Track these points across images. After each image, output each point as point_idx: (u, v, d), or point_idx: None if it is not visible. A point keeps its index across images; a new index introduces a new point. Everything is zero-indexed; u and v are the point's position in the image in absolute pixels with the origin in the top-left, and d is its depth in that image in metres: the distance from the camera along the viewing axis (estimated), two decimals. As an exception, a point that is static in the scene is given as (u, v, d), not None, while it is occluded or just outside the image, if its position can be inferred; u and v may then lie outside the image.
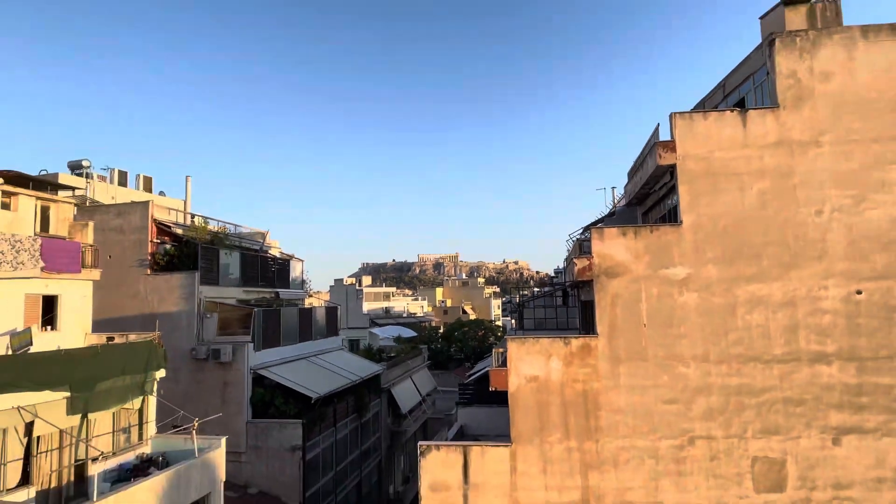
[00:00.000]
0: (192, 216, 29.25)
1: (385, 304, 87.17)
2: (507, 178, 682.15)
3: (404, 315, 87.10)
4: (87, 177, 32.37)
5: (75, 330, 17.52)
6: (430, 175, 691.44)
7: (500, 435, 17.72)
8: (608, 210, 23.80)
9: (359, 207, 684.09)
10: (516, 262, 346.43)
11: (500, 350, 18.16)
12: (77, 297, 17.58)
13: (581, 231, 24.00)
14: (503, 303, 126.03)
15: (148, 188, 36.75)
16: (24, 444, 13.98)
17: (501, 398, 21.16)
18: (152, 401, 17.96)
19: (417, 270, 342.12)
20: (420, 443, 15.88)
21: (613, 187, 27.85)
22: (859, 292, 15.01)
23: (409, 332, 61.48)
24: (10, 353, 14.47)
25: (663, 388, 15.20)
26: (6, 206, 16.42)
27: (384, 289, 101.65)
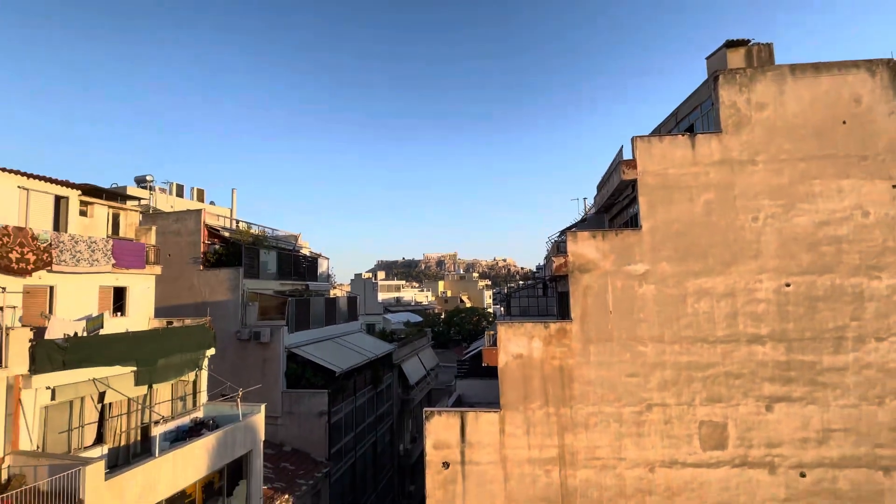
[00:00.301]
0: (237, 222, 29.07)
1: (396, 295, 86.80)
2: (498, 188, 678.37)
3: (412, 304, 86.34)
4: (150, 189, 32.31)
5: (141, 316, 17.49)
6: (434, 187, 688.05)
7: (492, 402, 17.69)
8: (581, 217, 23.87)
9: (375, 214, 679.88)
10: (505, 260, 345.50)
11: (492, 332, 18.06)
12: (142, 288, 17.55)
13: (558, 234, 23.75)
14: (494, 294, 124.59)
15: (200, 198, 36.68)
16: (99, 409, 13.96)
17: (492, 372, 20.66)
18: (204, 374, 17.83)
19: (423, 267, 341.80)
20: (425, 409, 15.87)
21: (585, 198, 28.72)
22: (788, 285, 14.96)
23: (416, 318, 61.25)
24: (86, 334, 14.48)
25: (626, 363, 15.07)
26: (84, 214, 16.42)
27: (395, 282, 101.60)
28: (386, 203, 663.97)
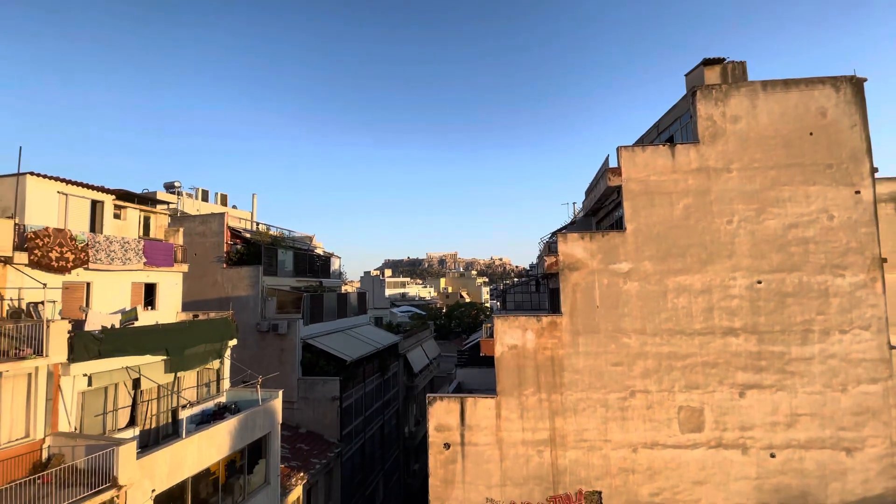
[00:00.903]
0: (257, 224, 28.92)
1: (401, 291, 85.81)
2: (495, 192, 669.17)
3: (416, 299, 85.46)
4: (178, 194, 32.25)
5: (169, 309, 17.46)
6: (437, 190, 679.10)
7: (489, 389, 17.60)
8: (570, 219, 23.68)
9: (382, 215, 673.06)
10: (501, 259, 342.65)
11: (489, 325, 17.89)
12: (170, 284, 17.50)
13: (550, 235, 23.60)
14: (491, 290, 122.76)
15: (224, 203, 36.62)
16: (132, 395, 13.94)
17: (490, 361, 20.84)
18: (227, 363, 17.74)
19: (426, 265, 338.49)
20: (428, 395, 15.79)
21: (574, 202, 27.99)
22: (759, 282, 14.89)
23: (419, 312, 60.51)
24: (120, 326, 14.46)
25: (612, 354, 15.03)
26: (118, 216, 16.41)
27: (401, 279, 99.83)
28: (393, 205, 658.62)
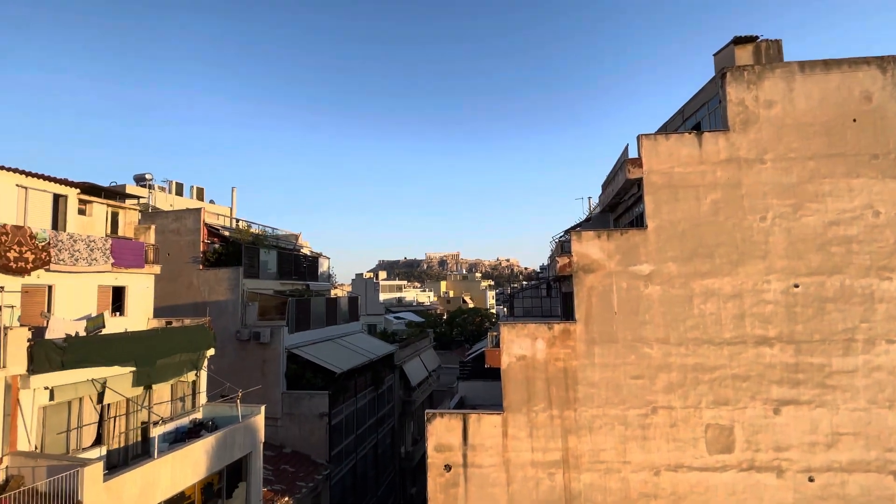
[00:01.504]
0: (237, 221, 28.55)
1: (398, 295, 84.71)
2: (502, 188, 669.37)
3: (414, 304, 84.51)
4: (149, 187, 32.29)
5: (140, 315, 17.44)
6: (436, 186, 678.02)
7: (494, 404, 17.45)
8: (585, 216, 23.47)
9: (377, 213, 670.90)
10: (508, 260, 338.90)
11: (494, 333, 17.81)
12: (141, 287, 17.50)
13: (562, 234, 23.36)
14: (497, 294, 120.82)
15: (200, 197, 36.66)
16: (98, 410, 13.85)
17: (495, 374, 20.68)
18: (203, 375, 17.73)
19: (425, 266, 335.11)
20: (427, 411, 15.68)
21: (590, 197, 26.98)
22: (797, 286, 14.54)
23: (417, 318, 60.16)
24: (86, 334, 14.43)
25: (631, 365, 14.82)
26: (83, 212, 16.41)
27: (397, 282, 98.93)
28: (388, 202, 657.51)
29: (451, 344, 65.54)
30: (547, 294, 25.33)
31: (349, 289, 57.67)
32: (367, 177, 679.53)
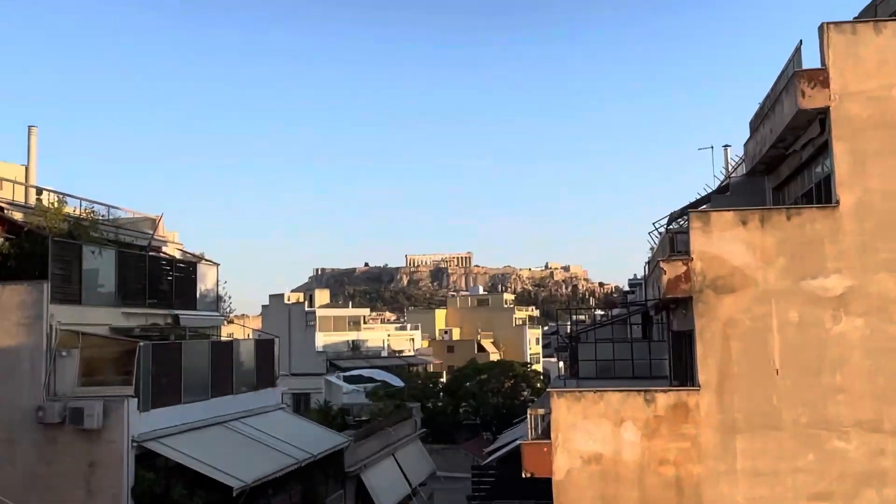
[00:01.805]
0: (39, 192, 25.30)
1: (352, 336, 76.38)
2: (550, 142, 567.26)
3: (383, 353, 76.95)
4: None
5: None
6: (419, 135, 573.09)
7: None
8: (721, 181, 21.43)
9: (309, 188, 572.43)
10: (566, 269, 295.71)
11: (540, 411, 17.18)
12: None
13: (669, 220, 21.69)
14: (546, 333, 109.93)
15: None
16: None
17: (541, 489, 18.99)
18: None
19: (405, 280, 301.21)
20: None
21: (725, 146, 24.35)
22: None
23: (391, 380, 53.44)
24: None
25: (807, 473, 13.44)
26: None
27: (351, 310, 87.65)
28: (329, 168, 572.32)
29: (457, 431, 58.42)
30: (643, 334, 24.22)
31: (258, 324, 53.78)
32: (287, 136, 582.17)
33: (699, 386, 13.99)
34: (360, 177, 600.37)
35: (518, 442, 23.75)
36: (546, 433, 16.01)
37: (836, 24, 13.47)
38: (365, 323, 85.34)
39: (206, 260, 29.11)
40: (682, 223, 21.63)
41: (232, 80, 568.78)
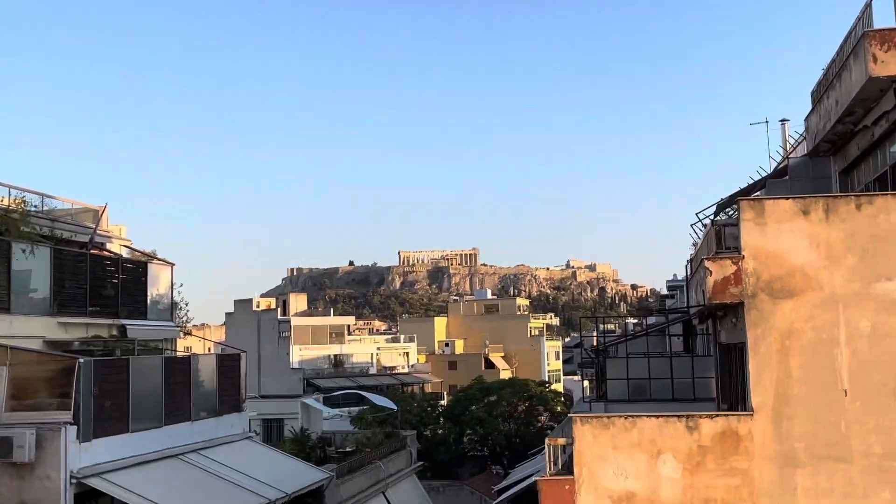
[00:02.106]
0: None
1: (335, 350, 78.11)
2: (568, 117, 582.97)
3: (371, 370, 78.90)
4: None
5: None
6: (413, 115, 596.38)
7: None
8: (776, 164, 21.92)
9: (280, 171, 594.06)
10: (592, 268, 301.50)
11: (560, 441, 17.76)
12: None
13: (716, 209, 22.09)
14: (567, 346, 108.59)
15: None
16: None
17: None
18: None
19: (398, 282, 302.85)
20: None
21: (782, 120, 24.09)
22: None
23: (382, 402, 54.18)
24: None
25: None
26: None
27: (333, 319, 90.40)
28: (308, 157, 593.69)
29: (461, 464, 59.80)
30: (684, 347, 24.77)
31: (221, 335, 53.74)
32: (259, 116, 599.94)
33: (752, 410, 14.01)
34: (343, 155, 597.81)
35: (534, 478, 23.90)
36: (568, 467, 15.93)
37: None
38: (350, 334, 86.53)
39: (159, 259, 29.10)
40: (731, 213, 21.61)
41: (186, 50, 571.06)
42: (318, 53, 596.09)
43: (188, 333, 36.64)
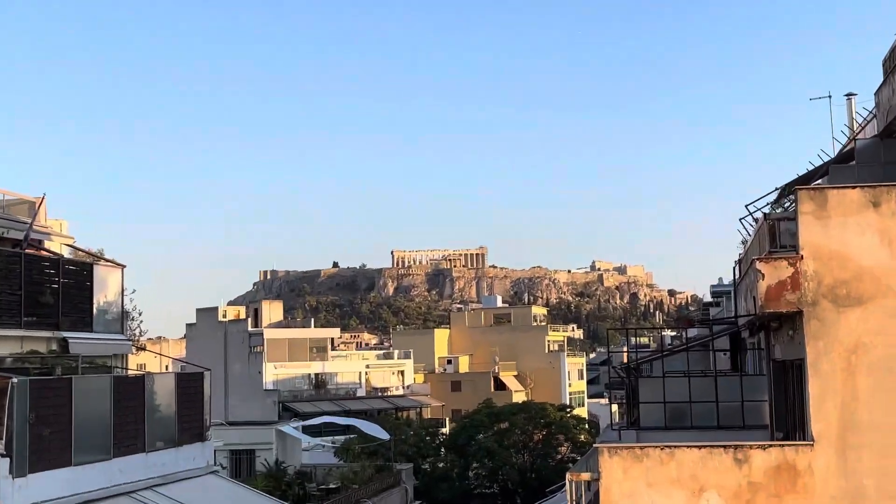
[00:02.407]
0: None
1: (316, 368, 78.82)
2: (595, 95, 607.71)
3: (359, 392, 79.60)
4: None
5: None
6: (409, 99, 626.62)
7: None
8: (840, 146, 22.45)
9: (250, 157, 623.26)
10: (621, 270, 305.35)
11: (584, 476, 17.54)
12: None
13: (774, 200, 22.24)
14: (592, 363, 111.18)
15: None
16: None
17: None
18: None
19: (390, 288, 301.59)
20: None
21: (847, 95, 24.15)
22: None
23: (370, 431, 53.88)
24: None
25: None
26: None
27: (314, 331, 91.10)
28: (282, 139, 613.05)
29: (465, 502, 59.94)
30: (732, 364, 25.12)
31: (181, 350, 53.68)
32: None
33: (812, 439, 14.03)
34: (323, 142, 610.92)
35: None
36: (594, 505, 15.01)
37: None
38: (334, 349, 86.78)
39: (107, 260, 28.89)
40: (787, 205, 21.69)
41: (150, 35, 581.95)
42: (289, 42, 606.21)
43: (142, 348, 36.68)
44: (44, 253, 27.95)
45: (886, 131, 18.56)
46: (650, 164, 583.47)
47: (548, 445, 63.17)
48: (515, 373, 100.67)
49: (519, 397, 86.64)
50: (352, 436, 54.31)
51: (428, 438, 65.46)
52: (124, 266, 29.66)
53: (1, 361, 23.51)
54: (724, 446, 14.81)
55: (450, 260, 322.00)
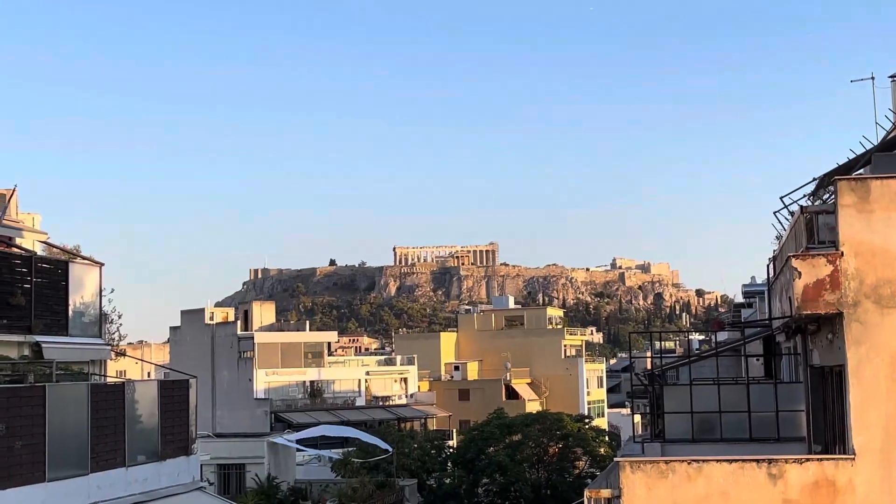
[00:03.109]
0: None
1: (311, 375, 78.91)
2: (615, 79, 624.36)
3: (358, 401, 79.84)
4: None
5: None
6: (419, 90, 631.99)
7: None
8: (885, 133, 22.50)
9: (240, 145, 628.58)
10: (645, 268, 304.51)
11: (605, 493, 17.70)
12: None
13: (816, 189, 22.47)
14: (612, 369, 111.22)
15: None
16: None
17: None
18: None
19: (392, 288, 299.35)
20: None
21: (892, 77, 24.11)
22: None
23: (372, 443, 54.19)
24: None
25: None
26: None
27: (309, 334, 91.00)
28: (276, 128, 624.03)
29: None
30: (766, 371, 25.31)
31: (164, 355, 53.62)
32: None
33: (853, 453, 13.99)
34: (318, 127, 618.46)
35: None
36: (613, 526, 16.01)
37: None
38: (331, 354, 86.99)
39: (84, 257, 29.03)
40: (826, 197, 21.65)
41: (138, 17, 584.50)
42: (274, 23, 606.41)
43: (122, 354, 36.59)
44: (14, 250, 27.78)
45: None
46: (675, 153, 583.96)
47: (564, 459, 63.16)
48: (529, 380, 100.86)
49: (533, 407, 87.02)
50: (350, 449, 54.81)
51: (433, 452, 65.55)
52: (102, 264, 29.67)
53: (-34, 369, 23.05)
54: (757, 460, 14.78)
55: (457, 257, 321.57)
